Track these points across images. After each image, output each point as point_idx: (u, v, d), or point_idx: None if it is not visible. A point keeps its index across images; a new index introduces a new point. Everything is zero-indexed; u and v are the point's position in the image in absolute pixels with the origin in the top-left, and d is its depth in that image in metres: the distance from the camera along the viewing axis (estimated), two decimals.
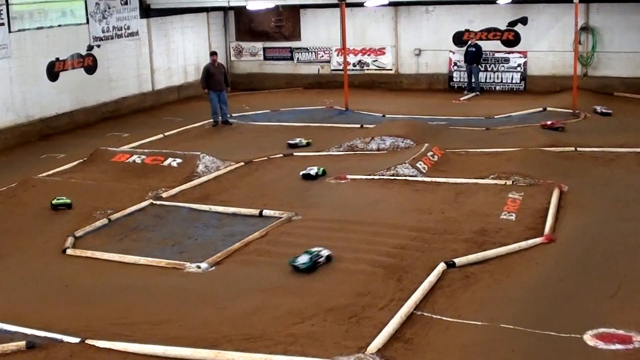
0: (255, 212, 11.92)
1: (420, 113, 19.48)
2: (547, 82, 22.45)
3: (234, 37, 26.14)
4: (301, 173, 13.69)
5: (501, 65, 23.05)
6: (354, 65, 24.41)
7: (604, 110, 18.64)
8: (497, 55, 23.04)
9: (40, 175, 14.36)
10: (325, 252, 9.74)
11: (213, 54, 19.84)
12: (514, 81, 23.05)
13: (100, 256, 10.39)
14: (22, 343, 7.67)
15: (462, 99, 22.35)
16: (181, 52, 24.06)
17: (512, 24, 22.64)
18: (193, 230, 11.42)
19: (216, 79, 19.12)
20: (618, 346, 7.36)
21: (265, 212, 11.87)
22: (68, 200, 12.37)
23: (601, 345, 7.39)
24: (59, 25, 19.23)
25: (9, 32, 17.72)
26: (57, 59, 19.22)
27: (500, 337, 7.66)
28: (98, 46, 20.52)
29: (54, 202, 12.33)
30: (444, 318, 8.11)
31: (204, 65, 19.90)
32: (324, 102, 21.84)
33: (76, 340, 7.73)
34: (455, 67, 23.62)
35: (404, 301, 8.36)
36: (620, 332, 7.60)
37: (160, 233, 11.38)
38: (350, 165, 14.45)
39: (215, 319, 8.27)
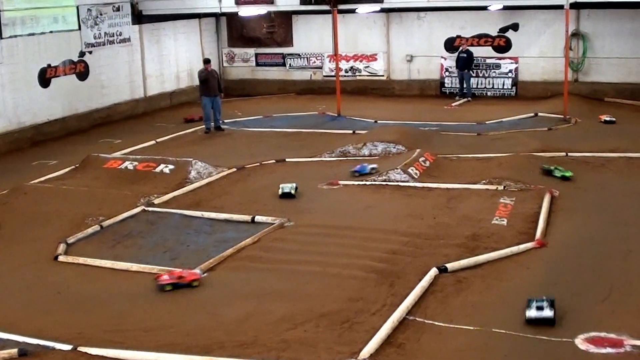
0: (248, 218, 11.92)
1: (412, 119, 19.52)
2: (538, 87, 22.54)
3: (226, 43, 26.16)
4: (279, 193, 13.04)
5: (492, 71, 23.14)
6: (346, 71, 24.46)
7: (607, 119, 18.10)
8: (488, 61, 23.12)
9: (32, 181, 14.32)
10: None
11: (207, 62, 19.64)
12: (505, 87, 23.14)
13: (93, 263, 10.37)
14: (14, 350, 7.66)
15: (453, 104, 22.40)
16: (173, 58, 24.06)
17: (503, 30, 22.73)
18: (185, 236, 11.41)
19: (210, 85, 19.16)
20: (609, 350, 7.41)
21: (258, 218, 11.87)
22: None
23: (592, 349, 7.44)
24: (51, 32, 19.21)
25: (1, 38, 17.70)
26: (49, 65, 19.20)
27: (492, 341, 7.69)
28: (90, 52, 20.51)
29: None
30: (436, 323, 8.13)
31: (198, 71, 19.87)
32: (317, 108, 21.86)
33: (68, 347, 7.72)
34: (447, 73, 23.69)
35: (396, 306, 8.39)
36: (612, 335, 7.65)
37: (152, 239, 11.36)
38: (343, 171, 14.46)
39: (208, 325, 8.27)
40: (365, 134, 17.49)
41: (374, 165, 14.08)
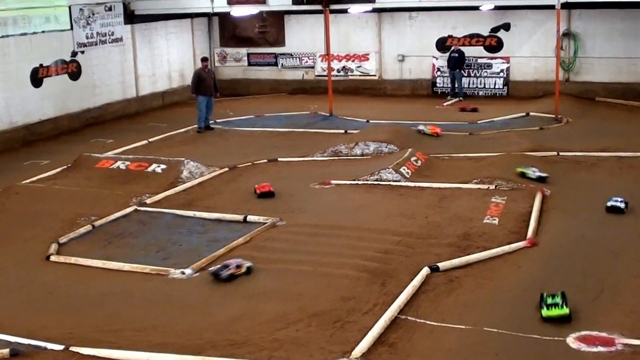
0: (240, 217, 11.93)
1: (404, 118, 19.55)
2: (529, 87, 22.61)
3: (218, 43, 26.15)
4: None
5: (484, 70, 23.20)
6: (338, 71, 24.49)
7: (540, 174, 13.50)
8: (480, 60, 23.18)
9: (24, 181, 14.28)
10: None
11: (204, 60, 19.94)
12: (496, 86, 23.20)
13: (84, 263, 10.35)
14: (6, 351, 7.64)
15: (445, 104, 22.46)
16: (165, 58, 24.02)
17: (495, 30, 22.80)
18: (177, 236, 11.41)
19: (207, 84, 19.23)
20: (600, 349, 7.44)
21: (250, 217, 11.88)
22: None
23: (584, 347, 7.47)
24: (43, 32, 19.16)
25: None
26: (41, 65, 19.15)
27: (484, 340, 7.72)
28: (82, 52, 20.47)
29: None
30: (428, 322, 8.15)
31: (195, 70, 19.93)
32: (308, 108, 21.86)
33: (60, 347, 7.70)
34: (439, 73, 23.74)
35: (388, 305, 8.40)
36: (603, 334, 7.69)
37: (144, 239, 11.35)
38: (335, 171, 14.49)
39: (200, 325, 8.28)
40: (357, 134, 17.51)
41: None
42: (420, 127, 17.83)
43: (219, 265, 9.72)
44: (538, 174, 12.97)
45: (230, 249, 10.57)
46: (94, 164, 15.18)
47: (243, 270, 9.64)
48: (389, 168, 13.88)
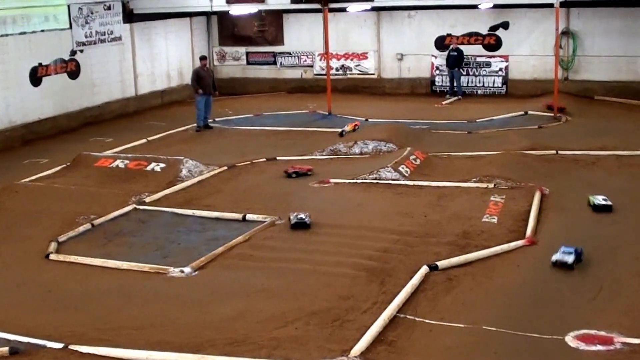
0: (239, 216, 11.93)
1: (403, 117, 19.58)
2: (528, 86, 22.63)
3: (217, 41, 26.16)
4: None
5: (483, 69, 23.21)
6: (337, 69, 24.49)
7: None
8: (478, 59, 23.20)
9: (23, 180, 14.29)
10: None
11: (203, 58, 20.05)
12: (495, 85, 23.21)
13: (84, 261, 10.35)
14: (5, 349, 7.64)
15: (444, 102, 22.47)
16: (164, 57, 24.02)
17: (494, 28, 22.77)
18: (176, 234, 11.41)
19: (206, 83, 19.26)
20: (599, 347, 7.44)
21: (249, 216, 11.88)
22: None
23: (583, 346, 7.47)
24: (42, 31, 19.15)
25: None
26: (40, 64, 19.14)
27: (482, 339, 7.72)
28: (81, 51, 20.45)
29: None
30: (427, 321, 8.16)
31: (194, 69, 19.96)
32: (307, 107, 21.88)
33: (59, 345, 7.71)
34: (438, 72, 23.75)
35: (387, 304, 8.40)
36: (602, 333, 7.68)
37: (143, 238, 11.36)
38: (334, 169, 14.49)
39: (199, 323, 8.28)
40: (356, 133, 17.50)
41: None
42: (341, 130, 17.76)
43: (293, 216, 11.19)
44: (599, 202, 11.90)
45: (229, 248, 10.57)
46: (93, 162, 15.18)
47: (308, 220, 11.12)
48: (387, 167, 13.89)
